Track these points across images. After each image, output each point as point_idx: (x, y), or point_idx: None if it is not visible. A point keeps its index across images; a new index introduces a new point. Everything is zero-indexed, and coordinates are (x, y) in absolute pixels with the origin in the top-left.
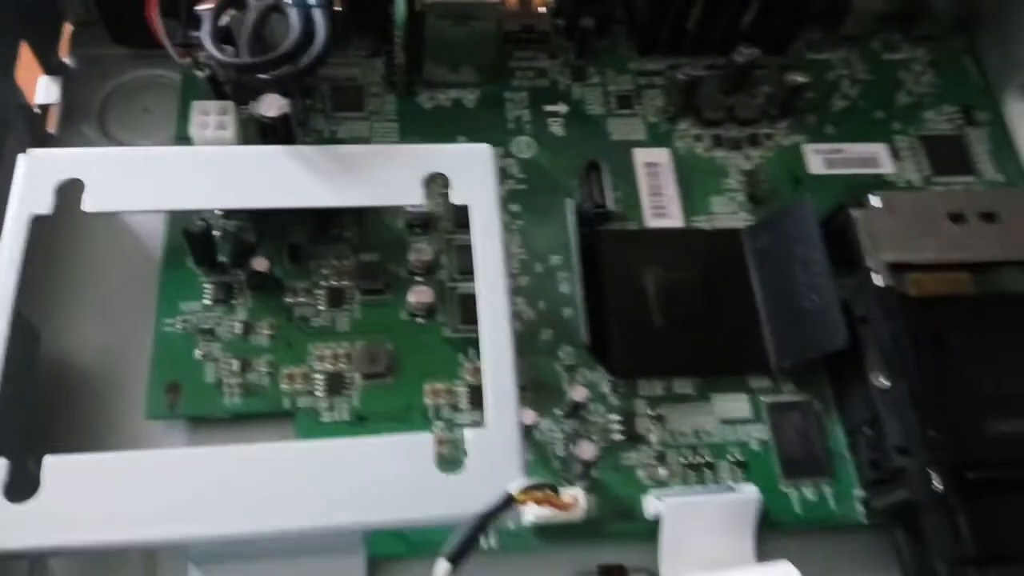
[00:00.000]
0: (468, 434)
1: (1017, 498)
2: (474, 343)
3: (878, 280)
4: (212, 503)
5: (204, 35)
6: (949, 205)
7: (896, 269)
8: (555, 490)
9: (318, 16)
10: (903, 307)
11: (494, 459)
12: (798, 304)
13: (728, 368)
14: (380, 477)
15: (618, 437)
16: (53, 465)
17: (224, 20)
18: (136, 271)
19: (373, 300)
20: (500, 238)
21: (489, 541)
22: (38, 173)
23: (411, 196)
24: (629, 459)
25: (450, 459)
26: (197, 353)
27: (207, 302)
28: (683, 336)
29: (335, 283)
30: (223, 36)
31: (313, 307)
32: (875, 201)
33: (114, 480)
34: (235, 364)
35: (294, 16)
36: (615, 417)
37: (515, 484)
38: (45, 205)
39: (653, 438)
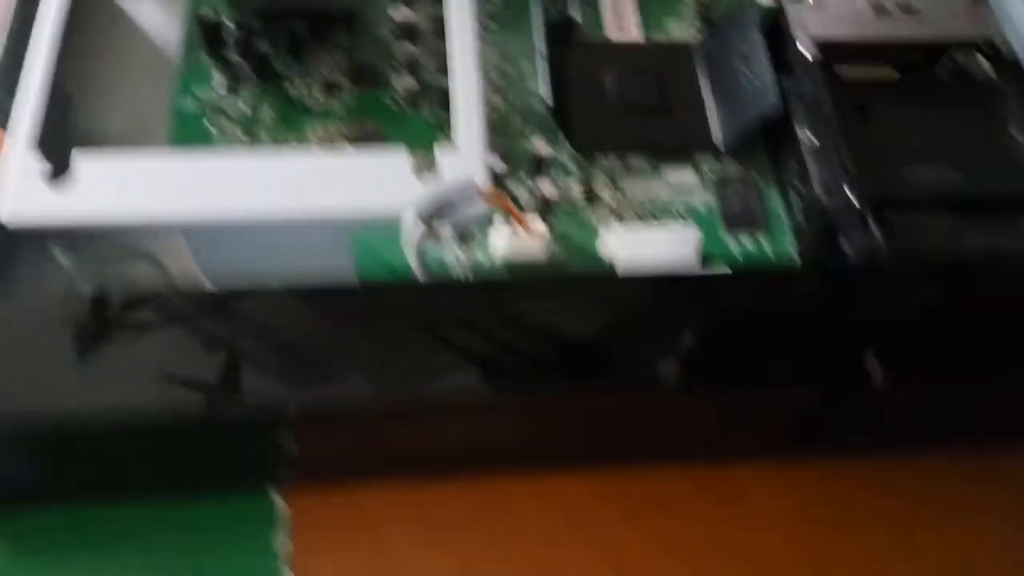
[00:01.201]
0: (439, 152)
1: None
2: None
3: (807, 54)
4: (215, 193)
5: None
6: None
7: (825, 54)
8: (517, 206)
9: None
10: (831, 81)
11: (459, 172)
12: (738, 88)
13: (678, 147)
14: (365, 178)
15: (577, 195)
16: (82, 158)
17: None
18: (157, 60)
19: (363, 91)
20: (469, 5)
21: (465, 276)
22: None
23: None
24: (587, 212)
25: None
26: (210, 128)
27: (217, 87)
28: (638, 122)
29: (330, 78)
30: None
31: (311, 95)
32: None
33: (135, 171)
34: (242, 137)
35: None
36: (575, 181)
37: (477, 178)
38: None
39: (608, 198)
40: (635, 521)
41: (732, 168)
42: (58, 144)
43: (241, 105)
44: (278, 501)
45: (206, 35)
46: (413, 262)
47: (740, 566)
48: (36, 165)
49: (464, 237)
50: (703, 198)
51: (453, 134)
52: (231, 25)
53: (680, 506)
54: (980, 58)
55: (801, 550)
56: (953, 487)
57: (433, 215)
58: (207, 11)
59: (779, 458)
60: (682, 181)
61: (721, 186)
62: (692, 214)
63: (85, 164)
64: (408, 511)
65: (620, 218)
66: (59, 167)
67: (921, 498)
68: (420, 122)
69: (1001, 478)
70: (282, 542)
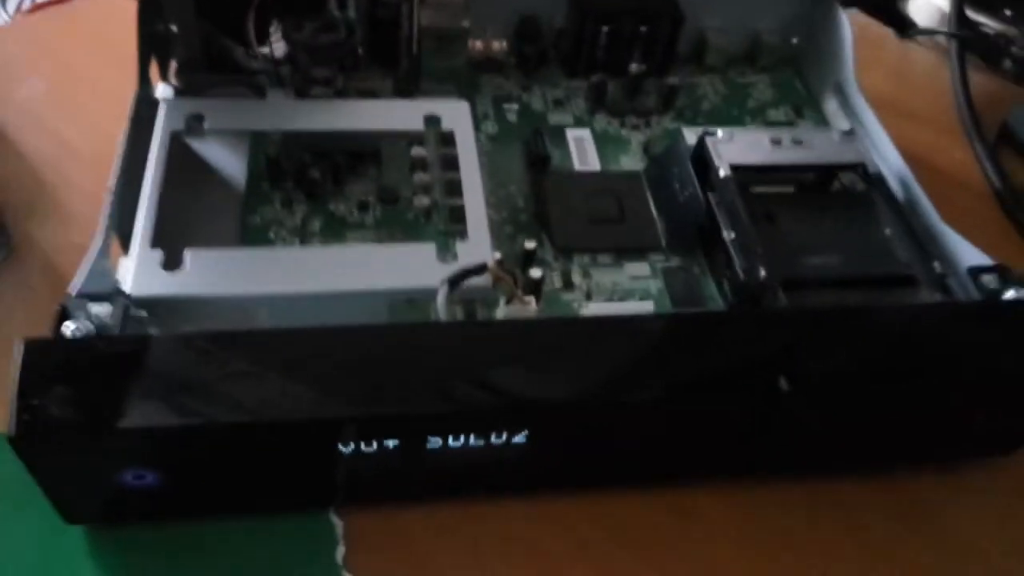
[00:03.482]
0: (459, 244)
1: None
2: (459, 234)
3: (723, 172)
4: (289, 272)
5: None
6: (771, 135)
7: (736, 173)
8: (516, 282)
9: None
10: (743, 191)
11: (473, 260)
12: (675, 202)
13: (634, 247)
14: (403, 264)
15: (558, 284)
16: (191, 253)
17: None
18: (230, 184)
19: (389, 208)
20: (473, 145)
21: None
22: (175, 109)
23: (416, 126)
24: (567, 296)
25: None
26: (271, 236)
27: (276, 205)
28: (603, 230)
29: (363, 199)
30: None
31: (349, 211)
32: (720, 133)
33: (229, 261)
34: (297, 243)
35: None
36: (556, 275)
37: (489, 262)
38: (179, 125)
39: (584, 285)
40: (622, 540)
41: (675, 262)
42: (166, 243)
43: (295, 219)
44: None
45: (269, 167)
46: (443, 317)
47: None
48: (153, 256)
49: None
50: (656, 284)
51: (468, 232)
52: (287, 159)
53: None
54: (854, 176)
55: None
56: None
57: (455, 283)
58: (271, 150)
59: (729, 479)
60: (639, 273)
61: (668, 274)
62: (648, 296)
63: (191, 258)
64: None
65: (591, 299)
66: (171, 260)
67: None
68: (433, 231)
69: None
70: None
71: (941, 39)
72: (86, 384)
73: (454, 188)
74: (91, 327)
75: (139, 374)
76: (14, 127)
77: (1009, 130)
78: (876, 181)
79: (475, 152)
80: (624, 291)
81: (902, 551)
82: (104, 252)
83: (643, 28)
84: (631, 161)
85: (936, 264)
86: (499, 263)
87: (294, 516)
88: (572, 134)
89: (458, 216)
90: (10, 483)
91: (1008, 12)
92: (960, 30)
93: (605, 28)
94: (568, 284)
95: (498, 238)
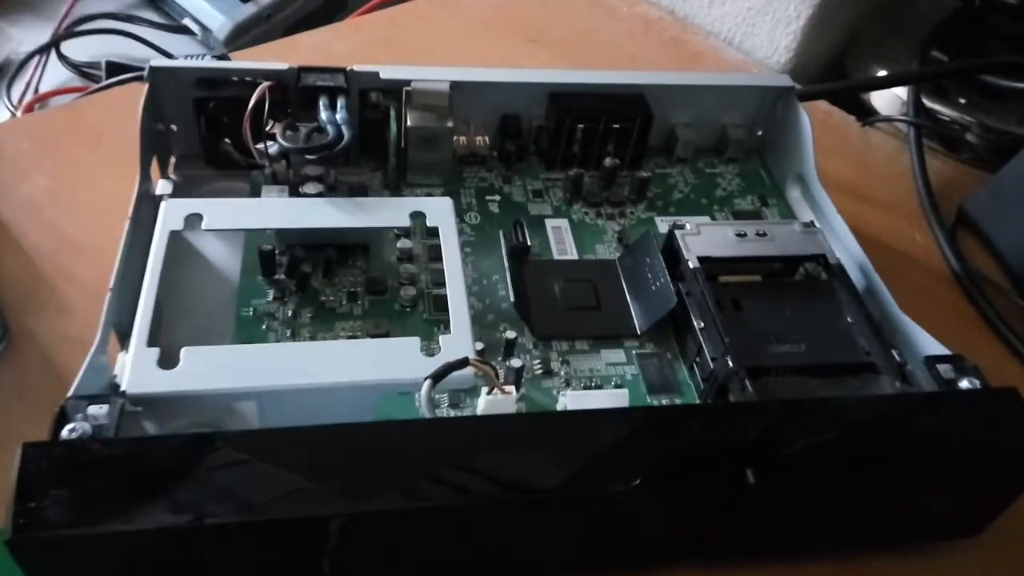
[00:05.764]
0: (441, 338)
1: (777, 383)
2: (444, 323)
3: (692, 264)
4: (281, 368)
5: (281, 140)
6: (736, 228)
7: (704, 265)
8: (496, 374)
9: (345, 131)
10: (711, 282)
11: (455, 353)
12: (648, 290)
13: (609, 334)
14: (388, 358)
15: (538, 371)
16: (186, 351)
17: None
18: (225, 277)
19: (376, 299)
20: (456, 241)
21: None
22: (174, 209)
23: (403, 223)
24: (546, 384)
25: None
26: (263, 328)
27: (269, 298)
28: (580, 317)
29: (351, 289)
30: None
31: (338, 302)
32: (689, 225)
33: (221, 358)
34: (288, 334)
35: (330, 126)
36: (536, 362)
37: (470, 356)
38: (179, 225)
39: (562, 372)
40: None
41: (649, 348)
42: (162, 339)
43: (286, 311)
44: None
45: (263, 261)
46: (426, 412)
47: None
48: (149, 355)
49: (457, 399)
50: (631, 370)
51: (451, 326)
52: (280, 252)
53: None
54: (816, 266)
55: None
56: None
57: (439, 378)
58: (265, 244)
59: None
60: (615, 359)
61: (642, 361)
62: (624, 382)
63: (185, 356)
64: None
65: (569, 385)
66: (166, 359)
67: None
68: (419, 320)
69: None
70: None
71: (901, 126)
72: (82, 487)
73: (439, 278)
74: (88, 429)
75: (133, 476)
76: (15, 221)
77: (966, 214)
78: (836, 271)
79: (458, 248)
80: (601, 377)
81: None
82: (102, 349)
83: (615, 126)
84: (606, 249)
85: (895, 352)
86: (479, 355)
87: None
88: (551, 224)
89: (442, 305)
90: None
91: (962, 101)
92: (918, 117)
93: (581, 126)
94: (548, 371)
95: (481, 326)
